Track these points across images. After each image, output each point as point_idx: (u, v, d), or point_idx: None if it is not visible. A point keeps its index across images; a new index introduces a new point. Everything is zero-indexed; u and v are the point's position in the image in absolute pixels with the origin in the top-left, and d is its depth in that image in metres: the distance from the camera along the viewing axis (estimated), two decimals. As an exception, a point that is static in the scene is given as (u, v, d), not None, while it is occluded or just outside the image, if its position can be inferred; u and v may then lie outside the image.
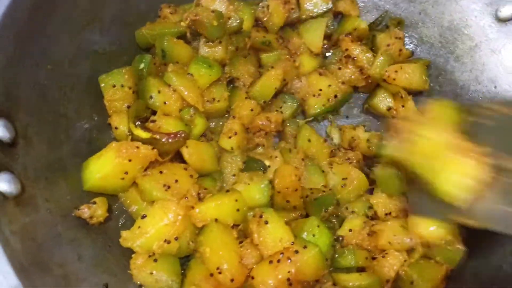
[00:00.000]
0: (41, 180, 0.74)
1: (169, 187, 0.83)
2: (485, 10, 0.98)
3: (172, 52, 0.95)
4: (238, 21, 1.01)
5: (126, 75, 0.92)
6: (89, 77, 0.92)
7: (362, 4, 1.14)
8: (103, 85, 0.91)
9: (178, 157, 0.91)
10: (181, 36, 1.00)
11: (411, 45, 1.10)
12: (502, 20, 0.97)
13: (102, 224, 0.82)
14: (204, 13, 0.95)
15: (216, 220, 0.82)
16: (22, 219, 0.65)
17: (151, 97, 0.91)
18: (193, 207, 0.82)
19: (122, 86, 0.91)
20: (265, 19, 1.05)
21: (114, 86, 0.91)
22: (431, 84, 1.07)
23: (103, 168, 0.81)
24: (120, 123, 0.90)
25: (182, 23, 1.00)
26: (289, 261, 0.78)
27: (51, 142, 0.80)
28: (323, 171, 0.97)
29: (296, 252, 0.79)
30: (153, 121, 0.90)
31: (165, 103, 0.92)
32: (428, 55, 1.08)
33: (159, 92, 0.91)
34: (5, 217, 0.62)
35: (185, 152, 0.89)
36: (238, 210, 0.86)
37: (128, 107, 0.92)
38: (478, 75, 1.01)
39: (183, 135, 0.89)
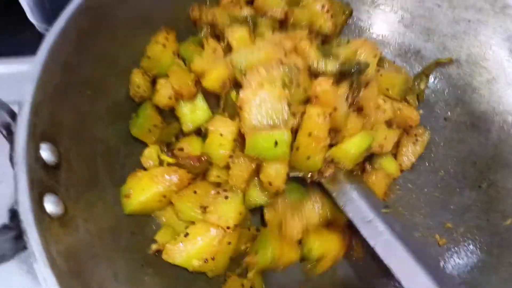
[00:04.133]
0: (81, 201, 0.78)
1: (205, 208, 0.87)
2: (503, 44, 1.02)
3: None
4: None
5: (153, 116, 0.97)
6: (123, 102, 0.97)
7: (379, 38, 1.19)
8: (133, 132, 0.96)
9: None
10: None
11: (430, 76, 1.14)
12: (518, 55, 1.00)
13: (133, 244, 0.86)
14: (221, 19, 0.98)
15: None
16: (65, 240, 0.69)
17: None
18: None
19: (155, 126, 0.96)
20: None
21: (149, 131, 0.96)
22: (449, 113, 1.11)
23: (142, 195, 0.87)
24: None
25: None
26: None
27: (89, 165, 0.84)
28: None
29: None
30: (181, 149, 0.94)
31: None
32: (447, 85, 1.12)
33: None
34: (52, 238, 0.65)
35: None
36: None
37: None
38: (495, 106, 1.04)
39: (206, 157, 0.94)
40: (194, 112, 0.95)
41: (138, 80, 0.97)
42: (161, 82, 0.96)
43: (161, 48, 0.98)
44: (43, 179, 0.70)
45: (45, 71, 0.75)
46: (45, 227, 0.65)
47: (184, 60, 1.00)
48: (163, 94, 0.95)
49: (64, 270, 0.64)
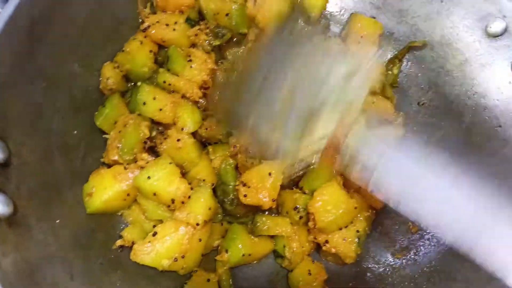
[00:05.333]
0: (34, 199, 0.74)
1: (173, 208, 0.85)
2: (475, 25, 0.99)
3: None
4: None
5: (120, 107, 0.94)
6: (83, 93, 0.92)
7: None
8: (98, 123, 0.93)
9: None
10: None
11: (403, 60, 1.11)
12: (491, 36, 0.97)
13: (93, 242, 0.83)
14: None
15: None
16: (14, 240, 0.66)
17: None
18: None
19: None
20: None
21: (115, 123, 0.93)
22: (422, 98, 1.09)
23: (105, 193, 0.84)
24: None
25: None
26: None
27: (44, 160, 0.80)
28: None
29: None
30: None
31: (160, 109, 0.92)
32: (420, 69, 1.09)
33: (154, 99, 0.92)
34: (-2, 239, 0.62)
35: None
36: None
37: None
38: (468, 89, 1.02)
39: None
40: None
41: (108, 73, 0.96)
42: (161, 99, 0.92)
43: (138, 44, 0.97)
44: (-11, 178, 0.66)
45: (-8, 61, 0.71)
46: (-10, 227, 0.62)
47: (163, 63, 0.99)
48: (168, 110, 0.93)
49: (10, 271, 0.61)
